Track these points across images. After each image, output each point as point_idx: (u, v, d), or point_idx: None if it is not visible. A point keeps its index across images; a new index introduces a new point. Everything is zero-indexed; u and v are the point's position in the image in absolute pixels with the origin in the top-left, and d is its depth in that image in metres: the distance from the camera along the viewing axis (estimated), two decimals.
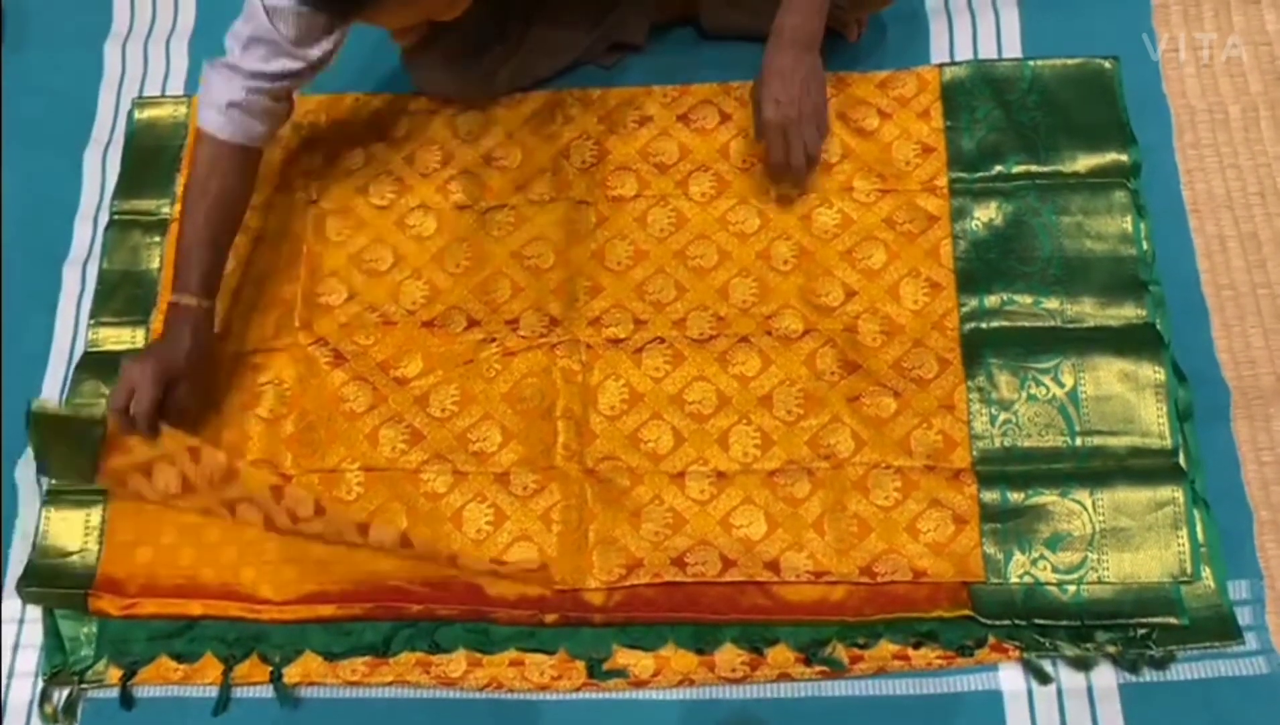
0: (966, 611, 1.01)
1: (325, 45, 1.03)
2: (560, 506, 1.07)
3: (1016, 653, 1.01)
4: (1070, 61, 1.21)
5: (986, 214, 1.16)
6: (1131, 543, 1.02)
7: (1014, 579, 1.02)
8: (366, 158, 1.24)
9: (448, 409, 1.12)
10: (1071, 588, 1.01)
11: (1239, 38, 1.26)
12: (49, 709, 1.05)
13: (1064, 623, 1.00)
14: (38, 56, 1.34)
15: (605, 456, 1.09)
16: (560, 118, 1.24)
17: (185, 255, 1.05)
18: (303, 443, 1.11)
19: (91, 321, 1.19)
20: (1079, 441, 1.06)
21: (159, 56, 1.33)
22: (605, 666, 1.03)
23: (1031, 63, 1.22)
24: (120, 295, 1.20)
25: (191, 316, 1.04)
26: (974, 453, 1.06)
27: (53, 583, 1.08)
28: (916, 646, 1.01)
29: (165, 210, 1.23)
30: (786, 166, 1.12)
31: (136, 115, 1.29)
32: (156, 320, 1.17)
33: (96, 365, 1.16)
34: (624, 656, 1.03)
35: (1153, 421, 1.06)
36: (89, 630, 1.07)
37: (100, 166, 1.28)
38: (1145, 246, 1.14)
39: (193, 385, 1.05)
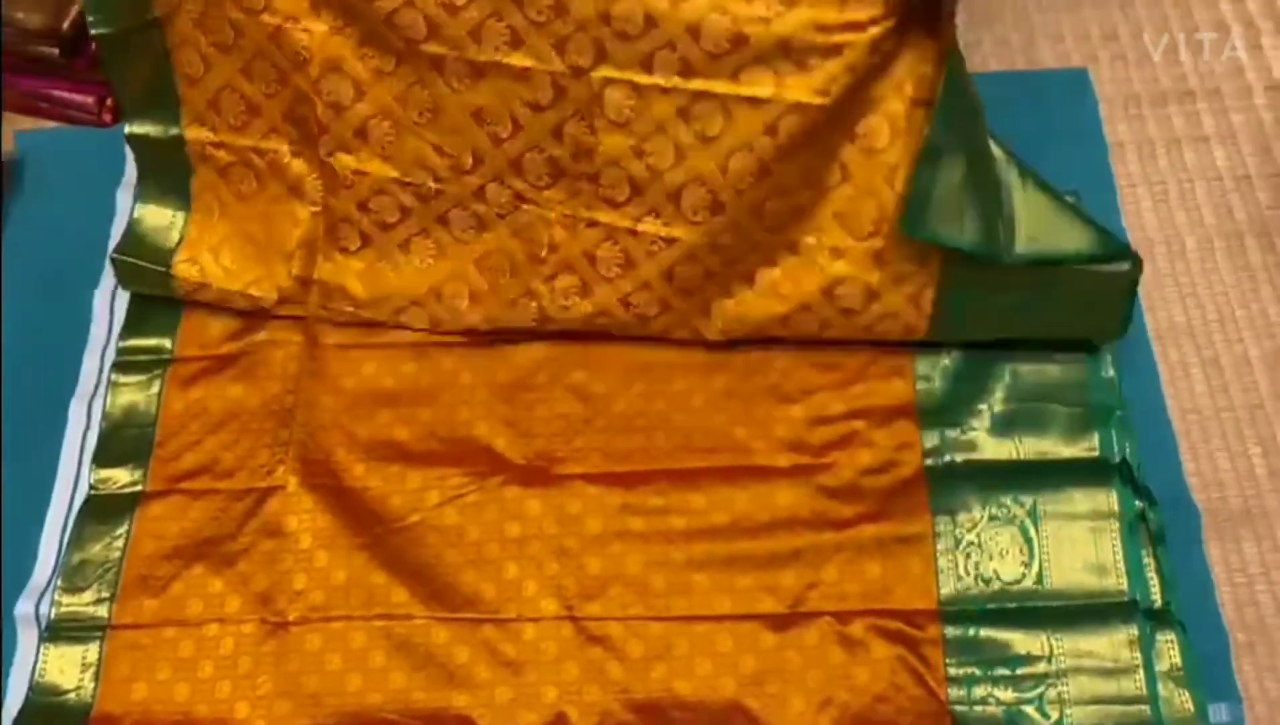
0: None
1: None
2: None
3: None
4: None
5: (950, 348, 1.20)
6: (1093, 672, 1.05)
7: (976, 703, 1.04)
8: None
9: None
10: (1053, 712, 1.03)
11: (1191, 174, 1.34)
12: None
13: None
14: (51, 203, 1.41)
15: None
16: None
17: None
18: None
19: (94, 463, 1.22)
20: (1040, 577, 1.09)
21: None
22: None
23: None
24: (121, 436, 1.23)
25: None
26: (939, 588, 1.09)
27: (49, 723, 1.09)
28: None
29: (168, 346, 1.28)
30: None
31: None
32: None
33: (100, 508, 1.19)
34: None
35: (1109, 559, 1.09)
36: None
37: (109, 307, 1.33)
38: (1110, 373, 1.19)
39: None
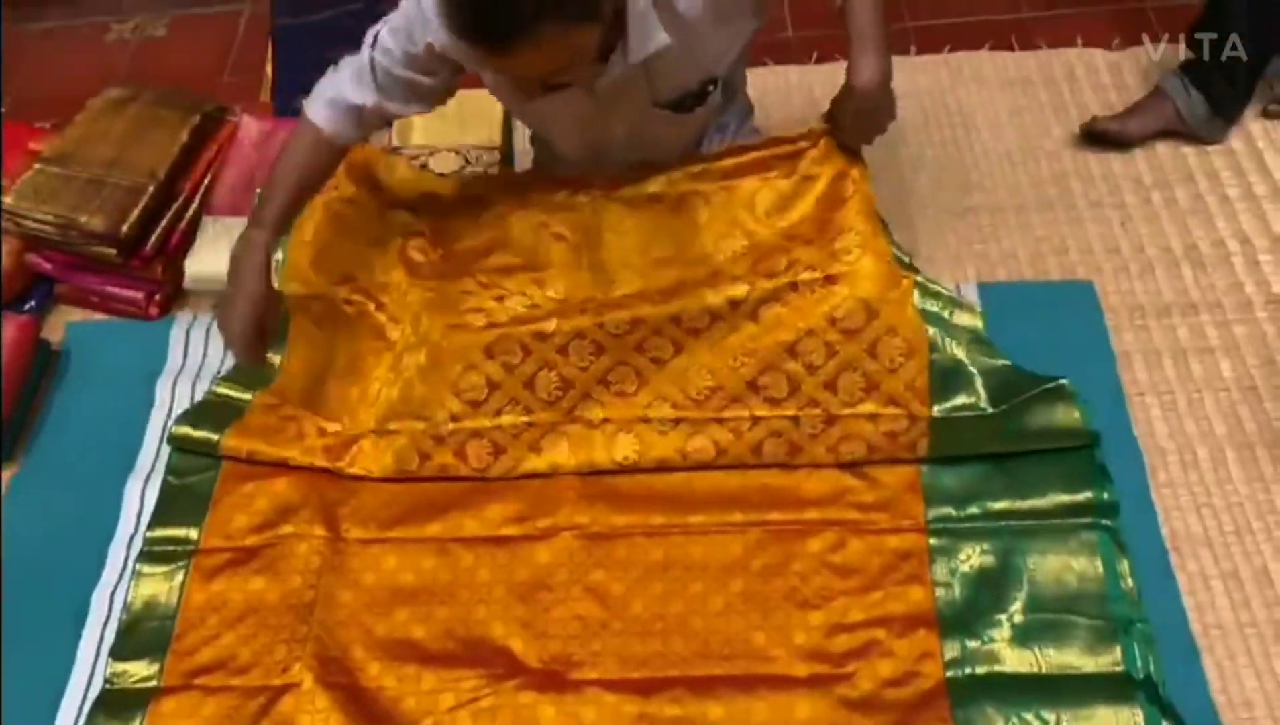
0: None
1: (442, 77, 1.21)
2: None
3: None
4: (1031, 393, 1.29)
5: (967, 554, 1.21)
6: None
7: None
8: None
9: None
10: None
11: (1199, 384, 1.37)
12: None
13: None
14: (94, 391, 1.46)
15: None
16: None
17: (263, 201, 1.26)
18: None
19: (111, 656, 1.23)
20: None
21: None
22: None
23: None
24: (141, 629, 1.24)
25: (254, 248, 1.23)
26: None
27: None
28: None
29: (193, 537, 1.30)
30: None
31: (174, 430, 1.37)
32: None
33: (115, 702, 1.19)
34: None
35: None
36: None
37: (140, 496, 1.36)
38: (1130, 583, 1.18)
39: (275, 309, 1.27)
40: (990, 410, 1.29)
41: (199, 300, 1.55)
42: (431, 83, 1.21)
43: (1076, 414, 1.28)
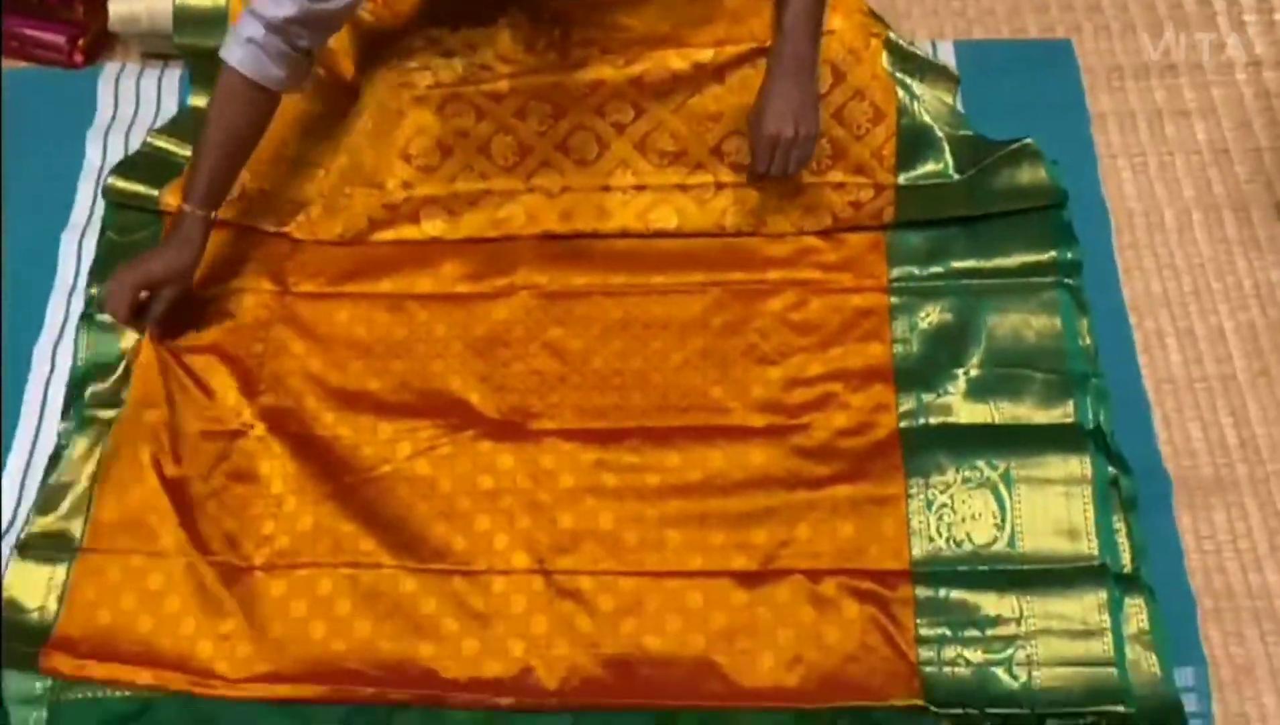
0: (919, 701, 1.02)
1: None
2: None
3: None
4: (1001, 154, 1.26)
5: (927, 312, 1.21)
6: (1062, 635, 1.05)
7: (946, 664, 1.03)
8: None
9: None
10: (1022, 674, 1.03)
11: (1172, 146, 1.34)
12: None
13: (1014, 710, 1.02)
14: (20, 145, 1.38)
15: None
16: None
17: (194, 169, 1.15)
18: None
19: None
20: (1012, 540, 1.09)
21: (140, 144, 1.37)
22: None
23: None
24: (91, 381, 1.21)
25: (187, 223, 1.14)
26: (911, 549, 1.09)
27: (8, 637, 1.07)
28: None
29: None
30: (765, 176, 1.20)
31: (108, 182, 1.31)
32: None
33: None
34: None
35: (1080, 523, 1.09)
36: (39, 715, 1.06)
37: (76, 252, 1.30)
38: (1088, 341, 1.19)
39: (175, 289, 1.16)
40: (957, 177, 1.25)
41: (127, 47, 1.44)
42: None
43: (1043, 173, 1.25)
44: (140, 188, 1.29)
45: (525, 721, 1.03)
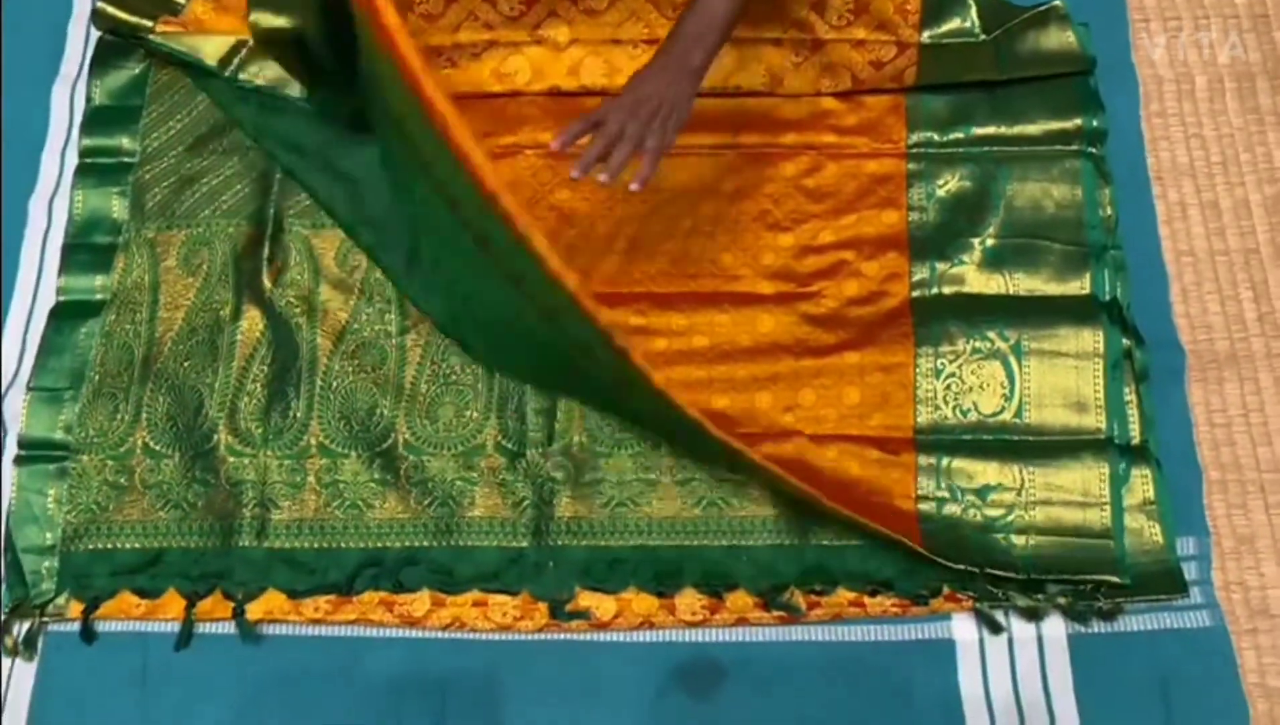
0: (918, 547, 1.02)
1: None
2: None
3: (969, 603, 1.03)
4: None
5: (945, 179, 1.17)
6: (1061, 504, 1.05)
7: (946, 522, 1.04)
8: None
9: None
10: (1019, 540, 1.04)
11: (1208, 10, 1.28)
12: (9, 642, 1.05)
13: (1011, 575, 1.03)
14: None
15: None
16: None
17: None
18: None
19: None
20: (1019, 411, 1.09)
21: None
22: (568, 608, 1.04)
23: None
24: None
25: None
26: (916, 416, 1.08)
27: None
28: (873, 594, 1.04)
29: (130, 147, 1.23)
30: (592, 163, 0.95)
31: (98, 5, 1.24)
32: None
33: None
34: (586, 598, 1.04)
35: (1090, 396, 1.08)
36: (50, 564, 1.07)
37: (69, 102, 1.26)
38: (1109, 211, 1.16)
39: None
40: (983, 37, 1.20)
41: None
42: None
43: (1071, 37, 1.20)
44: (133, 18, 1.24)
45: (532, 575, 1.05)
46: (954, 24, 1.20)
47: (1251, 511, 1.07)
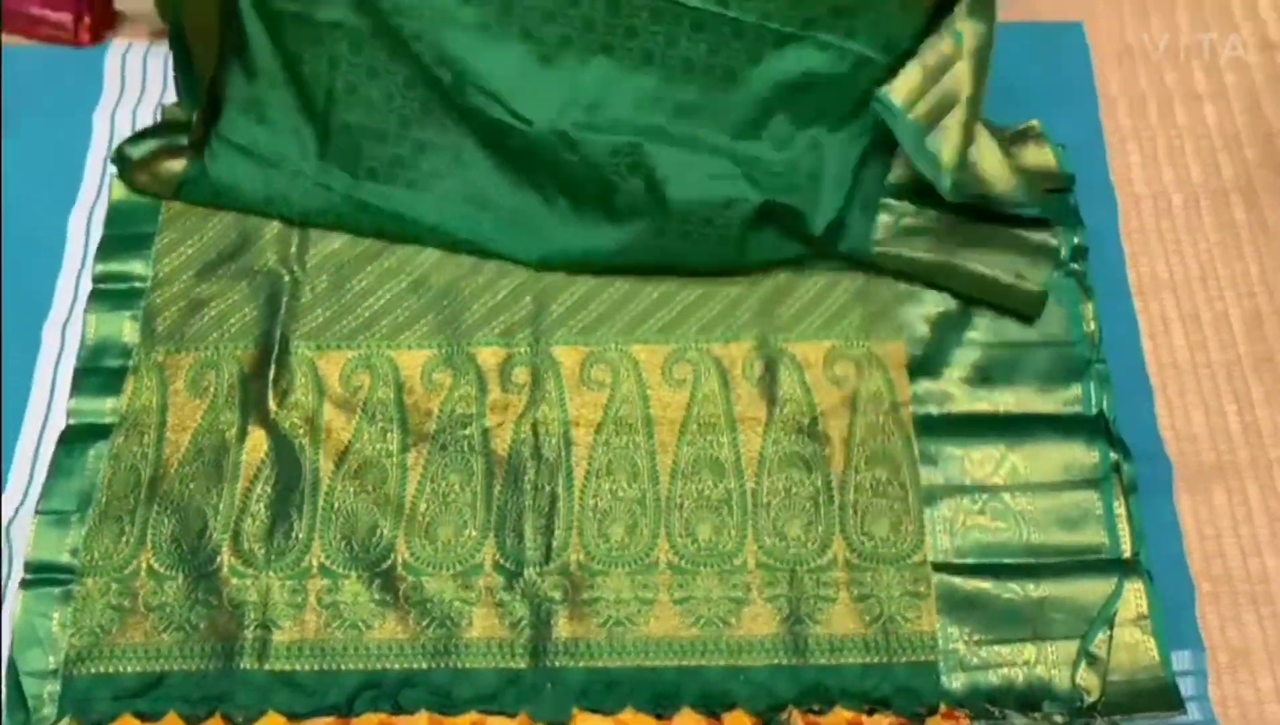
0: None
1: None
2: None
3: (966, 720, 1.03)
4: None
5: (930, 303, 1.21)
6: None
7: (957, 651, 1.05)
8: None
9: None
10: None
11: (1182, 130, 1.33)
12: None
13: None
14: (25, 123, 1.38)
15: None
16: None
17: None
18: None
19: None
20: (1023, 533, 1.11)
21: (147, 121, 1.37)
22: None
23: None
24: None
25: None
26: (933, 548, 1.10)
27: None
28: (870, 713, 1.04)
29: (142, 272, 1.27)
30: None
31: (121, 147, 1.30)
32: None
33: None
34: (584, 721, 1.04)
35: (1091, 512, 1.11)
36: (52, 689, 1.07)
37: (85, 229, 1.31)
38: (1092, 326, 1.19)
39: None
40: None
41: (135, 26, 1.44)
42: None
43: (1050, 156, 1.25)
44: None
45: (531, 695, 1.05)
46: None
47: (1245, 624, 1.08)
